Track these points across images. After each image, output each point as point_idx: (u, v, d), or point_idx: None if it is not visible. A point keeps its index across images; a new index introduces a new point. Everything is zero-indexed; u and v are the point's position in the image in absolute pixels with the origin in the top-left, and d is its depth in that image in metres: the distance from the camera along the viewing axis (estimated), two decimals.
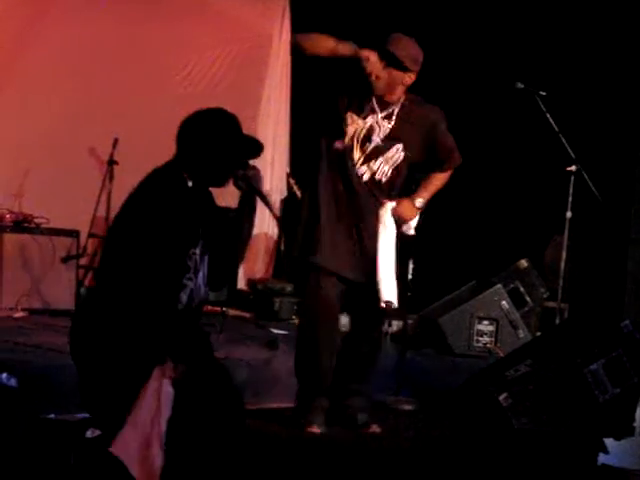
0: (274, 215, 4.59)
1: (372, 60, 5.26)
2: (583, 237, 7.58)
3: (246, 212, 4.06)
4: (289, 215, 9.16)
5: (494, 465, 5.09)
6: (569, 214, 6.93)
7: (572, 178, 6.87)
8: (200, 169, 3.95)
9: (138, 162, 8.12)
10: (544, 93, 6.69)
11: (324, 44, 5.33)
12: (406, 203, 5.40)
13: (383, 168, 5.37)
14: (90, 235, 8.09)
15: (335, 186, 5.35)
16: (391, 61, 5.29)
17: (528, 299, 7.54)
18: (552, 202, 7.23)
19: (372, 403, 5.54)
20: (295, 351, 5.46)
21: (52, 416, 4.84)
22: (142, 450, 3.67)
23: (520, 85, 6.74)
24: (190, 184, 3.93)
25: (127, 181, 7.93)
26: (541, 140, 7.14)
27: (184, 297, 3.83)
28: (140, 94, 8.53)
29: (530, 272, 7.65)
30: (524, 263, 7.64)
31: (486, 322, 7.15)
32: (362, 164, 5.34)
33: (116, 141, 8.13)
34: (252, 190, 4.03)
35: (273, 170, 9.40)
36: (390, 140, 5.35)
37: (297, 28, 9.40)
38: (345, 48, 5.30)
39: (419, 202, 5.43)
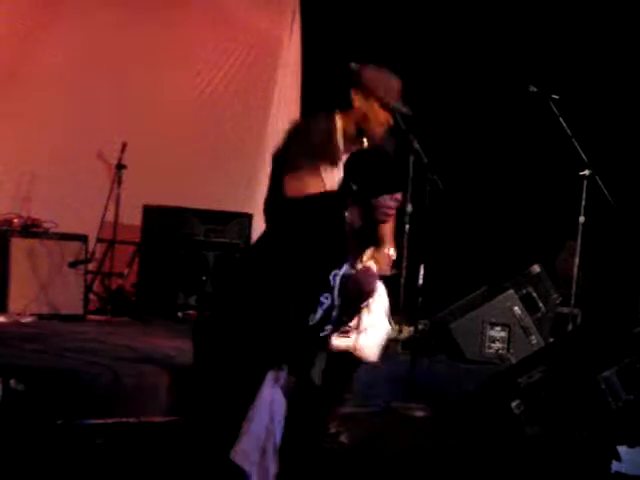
0: None
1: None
2: (596, 242, 7.57)
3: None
4: None
5: (506, 472, 5.07)
6: (582, 219, 6.93)
7: (585, 183, 6.86)
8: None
9: (146, 166, 8.25)
10: (557, 97, 6.67)
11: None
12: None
13: None
14: (98, 240, 8.09)
15: None
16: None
17: (541, 305, 7.50)
18: (565, 207, 7.21)
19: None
20: None
21: (60, 421, 4.84)
22: (259, 458, 3.80)
23: (533, 88, 6.73)
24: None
25: (135, 185, 8.08)
26: (554, 144, 7.13)
27: (319, 313, 3.95)
28: (149, 98, 8.55)
29: (543, 278, 7.60)
30: (537, 268, 7.59)
31: (498, 328, 7.10)
32: None
33: (124, 145, 8.09)
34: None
35: None
36: None
37: (307, 32, 9.44)
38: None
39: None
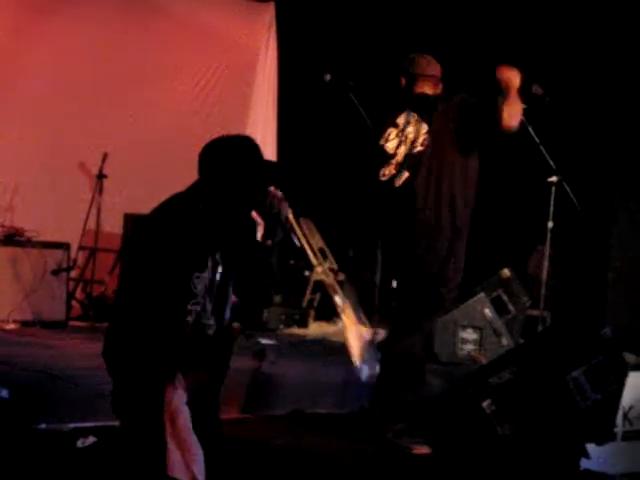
0: (295, 244, 4.44)
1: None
2: (565, 247, 7.62)
3: (271, 240, 4.12)
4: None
5: (478, 471, 5.16)
6: (550, 224, 7.00)
7: (553, 189, 6.93)
8: (220, 195, 3.95)
9: (127, 176, 8.33)
10: (525, 106, 6.74)
11: None
12: None
13: None
14: (80, 248, 8.18)
15: None
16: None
17: (511, 307, 7.56)
18: (534, 213, 7.28)
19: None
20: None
21: (43, 426, 4.89)
22: (186, 462, 3.79)
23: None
24: (201, 208, 3.94)
25: (116, 194, 8.16)
26: (522, 152, 7.19)
27: (190, 321, 3.89)
28: (129, 109, 8.62)
29: (513, 281, 7.67)
30: (507, 272, 7.65)
31: (470, 330, 7.18)
32: None
33: (105, 155, 8.18)
34: (272, 218, 4.08)
35: None
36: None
37: (283, 45, 9.51)
38: None
39: None
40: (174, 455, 3.77)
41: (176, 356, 3.85)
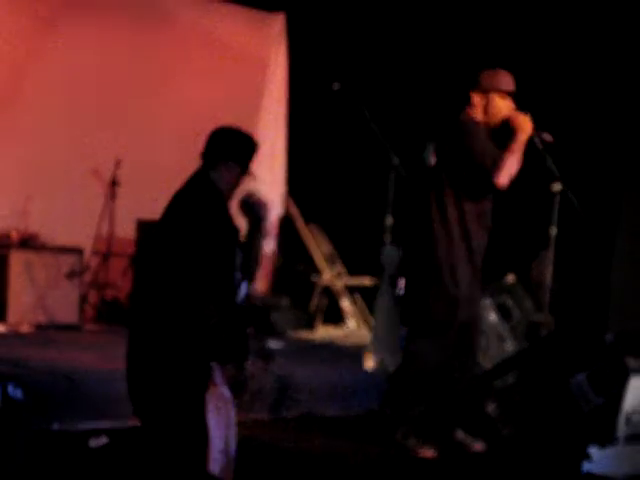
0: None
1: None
2: (568, 253, 7.63)
3: (254, 235, 4.25)
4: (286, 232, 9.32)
5: (482, 472, 5.23)
6: (554, 231, 7.02)
7: (557, 196, 6.94)
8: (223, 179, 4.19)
9: (139, 183, 8.35)
10: (528, 112, 6.76)
11: None
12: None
13: None
14: (93, 253, 8.24)
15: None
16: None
17: (515, 313, 7.58)
18: (538, 219, 7.30)
19: None
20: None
21: (56, 427, 5.02)
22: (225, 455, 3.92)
23: None
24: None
25: (129, 200, 8.20)
26: (526, 159, 7.22)
27: (241, 293, 4.05)
28: (141, 117, 8.63)
29: (517, 287, 7.63)
30: (511, 278, 7.67)
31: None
32: None
33: (118, 162, 8.25)
34: (252, 215, 4.22)
35: (271, 189, 9.53)
36: None
37: (294, 51, 9.54)
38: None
39: None
40: (216, 453, 3.89)
41: (232, 329, 3.95)
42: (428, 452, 5.38)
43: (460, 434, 5.57)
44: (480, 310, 5.68)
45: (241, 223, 4.29)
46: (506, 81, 5.51)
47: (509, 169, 5.32)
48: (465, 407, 5.64)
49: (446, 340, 5.39)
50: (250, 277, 4.20)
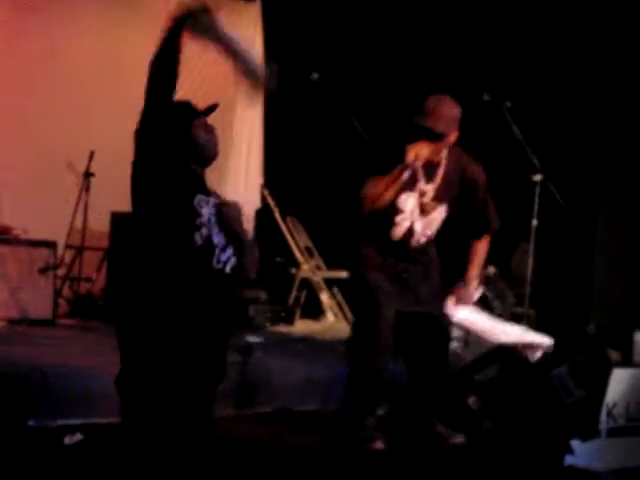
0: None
1: (423, 153, 5.33)
2: (549, 244, 7.64)
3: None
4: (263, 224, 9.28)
5: (463, 465, 5.22)
6: (535, 222, 7.01)
7: (537, 187, 6.94)
8: None
9: (114, 174, 8.21)
10: (510, 104, 6.76)
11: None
12: (464, 292, 5.69)
13: (425, 230, 5.56)
14: (67, 246, 8.15)
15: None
16: (433, 136, 5.33)
17: (496, 305, 7.59)
18: (518, 210, 7.30)
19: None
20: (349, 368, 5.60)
21: (32, 423, 4.95)
22: None
23: (487, 97, 6.79)
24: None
25: (103, 192, 8.13)
26: (507, 150, 7.21)
27: (198, 238, 3.87)
28: (115, 107, 8.42)
29: (498, 279, 7.68)
30: (491, 270, 7.68)
31: (455, 328, 7.19)
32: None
33: (92, 153, 8.17)
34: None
35: (247, 181, 9.49)
36: (435, 201, 5.53)
37: (270, 41, 9.50)
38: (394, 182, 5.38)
39: (475, 284, 5.71)
40: None
41: (189, 270, 3.84)
42: (378, 444, 5.39)
43: (440, 427, 5.57)
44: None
45: None
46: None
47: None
48: (444, 400, 5.65)
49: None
50: (239, 252, 4.07)
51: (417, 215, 5.51)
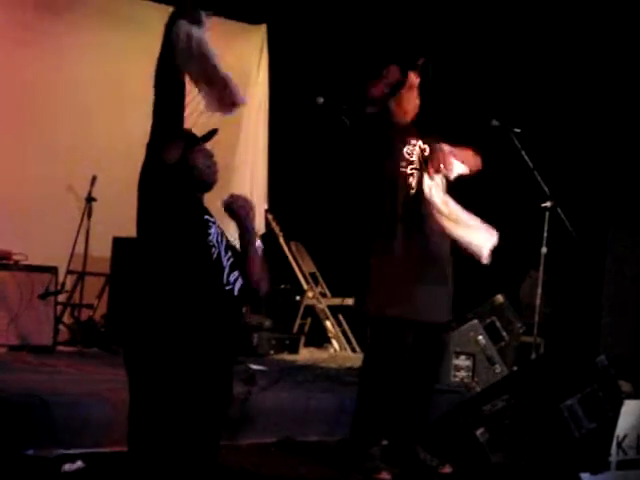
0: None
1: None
2: (558, 273, 7.59)
3: (243, 237, 4.19)
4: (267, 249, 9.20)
5: None
6: (544, 250, 6.94)
7: (547, 214, 6.88)
8: None
9: (116, 199, 8.24)
10: (519, 130, 6.71)
11: None
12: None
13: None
14: (68, 272, 8.10)
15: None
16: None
17: (504, 334, 7.54)
18: (528, 238, 7.25)
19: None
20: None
21: (30, 452, 4.89)
22: None
23: (495, 123, 6.75)
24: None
25: (105, 218, 8.07)
26: (516, 177, 7.17)
27: (214, 252, 3.93)
28: (117, 132, 8.55)
29: (506, 307, 7.65)
30: (500, 298, 7.65)
31: (463, 357, 7.13)
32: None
33: (94, 179, 8.14)
34: (235, 219, 4.12)
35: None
36: None
37: (275, 64, 9.49)
38: None
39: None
40: None
41: (203, 289, 3.86)
42: (385, 475, 5.31)
43: (422, 453, 5.50)
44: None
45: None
46: None
47: None
48: (427, 425, 5.60)
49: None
50: (245, 274, 4.12)
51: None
